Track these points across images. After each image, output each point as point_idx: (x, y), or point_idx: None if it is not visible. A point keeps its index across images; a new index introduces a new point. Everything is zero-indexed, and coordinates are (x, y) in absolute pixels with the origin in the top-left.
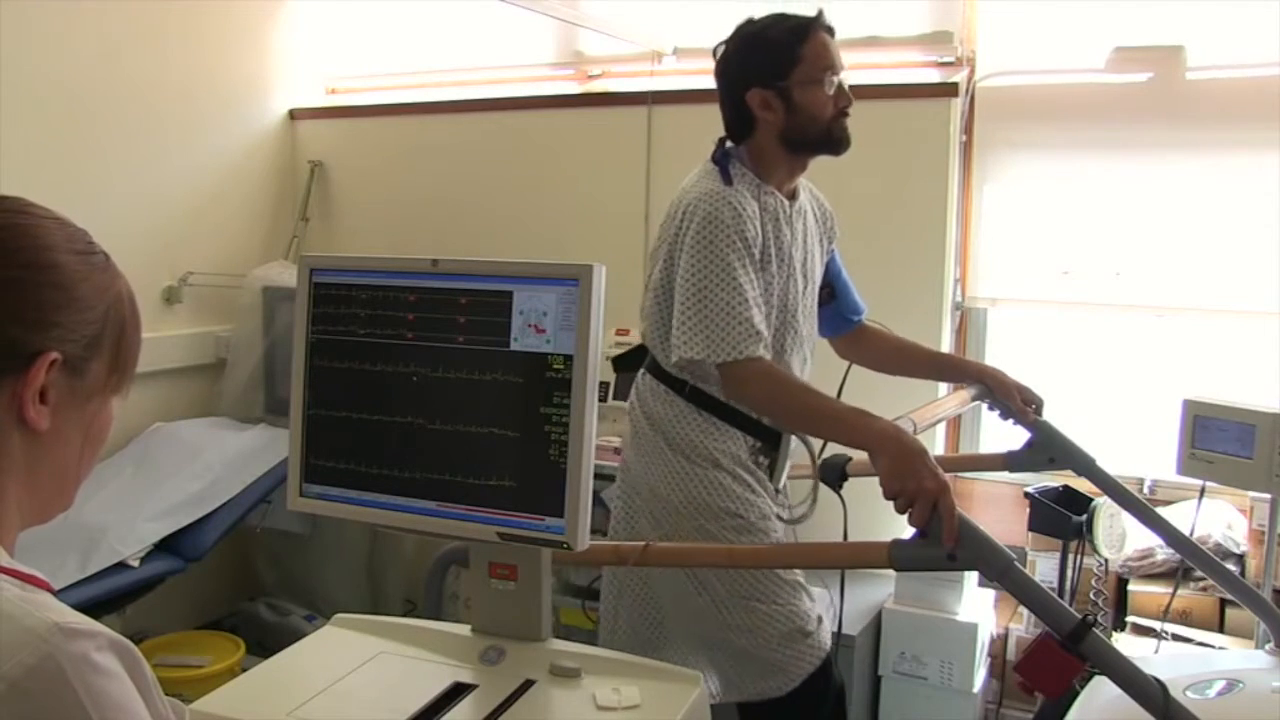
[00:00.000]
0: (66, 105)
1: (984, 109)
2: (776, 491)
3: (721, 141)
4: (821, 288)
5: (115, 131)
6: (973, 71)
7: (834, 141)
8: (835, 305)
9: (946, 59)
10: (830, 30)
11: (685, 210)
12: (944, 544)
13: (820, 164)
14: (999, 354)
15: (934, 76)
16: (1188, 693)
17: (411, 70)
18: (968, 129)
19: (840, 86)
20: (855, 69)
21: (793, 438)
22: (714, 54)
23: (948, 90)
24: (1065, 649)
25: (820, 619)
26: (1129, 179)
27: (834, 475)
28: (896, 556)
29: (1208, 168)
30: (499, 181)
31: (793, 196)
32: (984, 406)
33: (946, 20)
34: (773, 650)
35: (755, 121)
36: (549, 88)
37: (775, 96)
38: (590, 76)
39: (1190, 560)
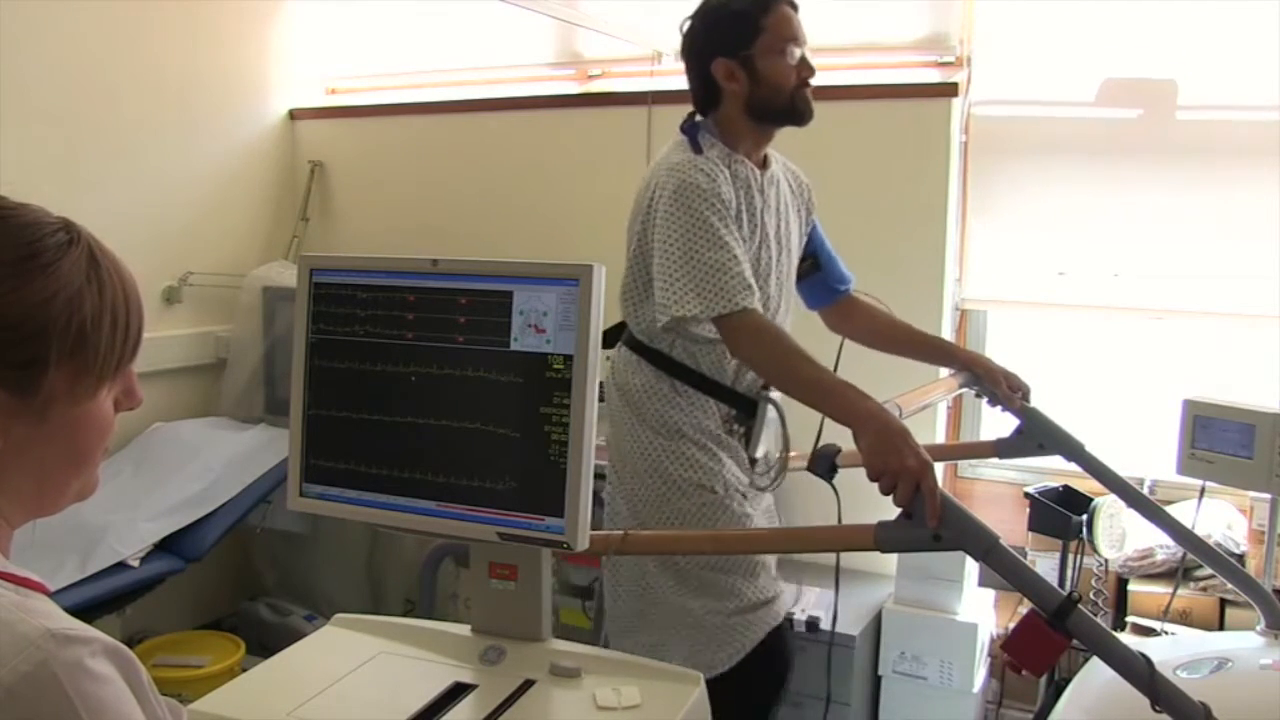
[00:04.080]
0: (66, 105)
1: (980, 128)
2: (752, 461)
3: (691, 114)
4: (805, 259)
5: (115, 132)
6: (970, 77)
7: (797, 112)
8: (820, 276)
9: (946, 59)
10: (794, 4)
11: (657, 182)
12: (928, 524)
13: (819, 163)
14: (1000, 355)
15: (934, 77)
16: (1179, 672)
17: (411, 70)
18: (966, 130)
19: (803, 58)
20: (854, 69)
21: (769, 408)
22: (680, 27)
23: (947, 90)
24: (1052, 626)
25: (778, 595)
26: (1127, 181)
27: (824, 466)
28: (882, 538)
29: (1206, 170)
30: (499, 181)
31: (763, 165)
32: (974, 396)
33: (945, 22)
34: (725, 619)
35: (720, 92)
36: (549, 88)
37: (739, 66)
38: (590, 77)
39: (1181, 544)
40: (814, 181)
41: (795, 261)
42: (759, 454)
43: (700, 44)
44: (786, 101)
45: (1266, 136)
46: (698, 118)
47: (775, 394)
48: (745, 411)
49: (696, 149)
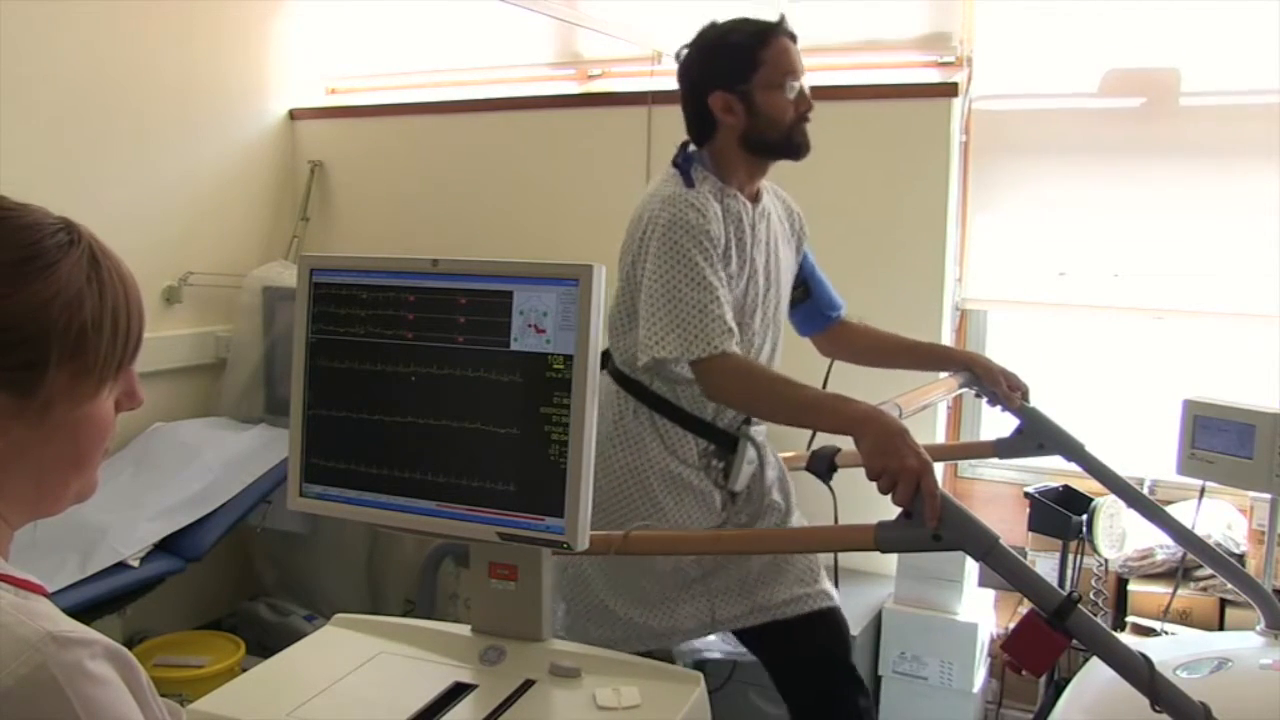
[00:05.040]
0: (66, 106)
1: (980, 127)
2: (733, 495)
3: (684, 145)
4: (796, 287)
5: (115, 132)
6: (970, 77)
7: (794, 146)
8: (812, 303)
9: (946, 59)
10: (792, 36)
11: (649, 216)
12: (927, 524)
13: (819, 163)
14: (1000, 355)
15: (934, 76)
16: (1179, 672)
17: (411, 70)
18: (966, 130)
19: (801, 91)
20: (854, 69)
21: (749, 446)
22: (676, 57)
23: (947, 90)
24: (1052, 626)
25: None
26: (1127, 181)
27: (823, 466)
28: (882, 538)
29: (1206, 170)
30: (499, 181)
31: (755, 199)
32: (973, 396)
33: (945, 21)
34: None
35: (717, 124)
36: (549, 88)
37: (737, 100)
38: (590, 77)
39: (1181, 544)
40: (814, 182)
41: (786, 295)
42: (739, 488)
43: (697, 76)
44: (783, 136)
45: (1267, 135)
46: (691, 148)
47: (756, 430)
48: (725, 447)
49: (689, 182)
